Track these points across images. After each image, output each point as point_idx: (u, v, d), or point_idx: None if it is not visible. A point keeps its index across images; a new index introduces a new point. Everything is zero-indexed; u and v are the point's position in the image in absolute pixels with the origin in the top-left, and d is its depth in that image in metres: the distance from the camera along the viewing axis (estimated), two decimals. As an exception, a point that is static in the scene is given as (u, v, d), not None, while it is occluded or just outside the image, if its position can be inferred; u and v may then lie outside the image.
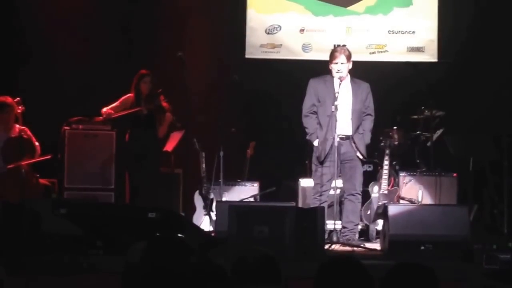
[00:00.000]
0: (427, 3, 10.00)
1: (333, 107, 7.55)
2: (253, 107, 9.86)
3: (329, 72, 7.80)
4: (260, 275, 3.23)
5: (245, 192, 8.94)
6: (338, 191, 7.76)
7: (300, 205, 8.45)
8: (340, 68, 7.70)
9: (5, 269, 2.67)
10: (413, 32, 9.98)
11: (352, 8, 10.03)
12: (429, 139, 8.71)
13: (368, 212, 8.40)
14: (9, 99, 8.45)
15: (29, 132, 8.58)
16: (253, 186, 9.01)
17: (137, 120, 8.38)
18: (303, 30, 10.03)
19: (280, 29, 10.04)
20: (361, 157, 7.82)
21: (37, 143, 8.61)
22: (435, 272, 2.84)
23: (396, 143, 8.66)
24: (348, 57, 7.75)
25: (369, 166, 8.71)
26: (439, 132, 8.81)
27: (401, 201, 8.44)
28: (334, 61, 7.73)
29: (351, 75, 7.85)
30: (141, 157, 8.36)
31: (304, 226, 6.39)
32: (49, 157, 8.59)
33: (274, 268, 3.29)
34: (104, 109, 8.42)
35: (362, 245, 7.63)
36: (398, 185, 8.64)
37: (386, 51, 10.01)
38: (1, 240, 6.31)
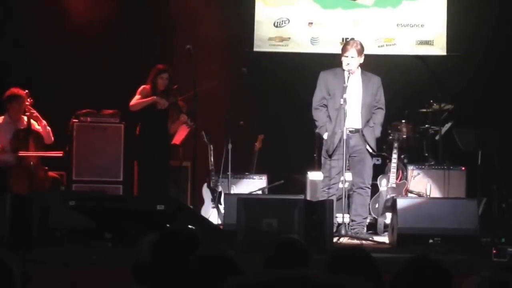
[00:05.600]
0: (436, -5, 9.96)
1: (342, 100, 7.54)
2: (261, 100, 9.85)
3: (340, 64, 7.79)
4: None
5: (253, 185, 8.94)
6: (346, 184, 7.76)
7: (308, 198, 8.44)
8: (350, 61, 7.68)
9: (16, 260, 2.68)
10: (422, 25, 9.94)
11: (360, 1, 9.99)
12: (438, 133, 8.70)
13: (377, 206, 8.39)
14: (19, 91, 8.47)
15: (36, 127, 8.58)
16: (261, 179, 9.01)
17: (149, 113, 8.36)
18: (311, 23, 10.00)
19: (288, 22, 10.01)
20: (370, 150, 7.81)
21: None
22: (450, 271, 2.81)
23: (404, 136, 8.65)
24: (360, 51, 7.72)
25: (378, 160, 8.68)
26: (447, 125, 8.79)
27: (410, 195, 8.43)
28: (344, 54, 7.71)
29: (362, 68, 7.84)
30: (151, 150, 8.35)
31: (313, 219, 6.39)
32: (60, 154, 8.61)
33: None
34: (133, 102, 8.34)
35: (370, 239, 7.63)
36: (406, 179, 8.62)
37: (394, 44, 9.97)
38: (11, 232, 6.33)
